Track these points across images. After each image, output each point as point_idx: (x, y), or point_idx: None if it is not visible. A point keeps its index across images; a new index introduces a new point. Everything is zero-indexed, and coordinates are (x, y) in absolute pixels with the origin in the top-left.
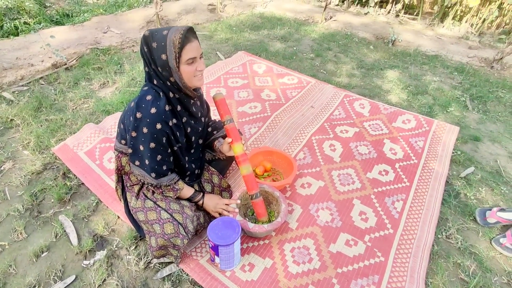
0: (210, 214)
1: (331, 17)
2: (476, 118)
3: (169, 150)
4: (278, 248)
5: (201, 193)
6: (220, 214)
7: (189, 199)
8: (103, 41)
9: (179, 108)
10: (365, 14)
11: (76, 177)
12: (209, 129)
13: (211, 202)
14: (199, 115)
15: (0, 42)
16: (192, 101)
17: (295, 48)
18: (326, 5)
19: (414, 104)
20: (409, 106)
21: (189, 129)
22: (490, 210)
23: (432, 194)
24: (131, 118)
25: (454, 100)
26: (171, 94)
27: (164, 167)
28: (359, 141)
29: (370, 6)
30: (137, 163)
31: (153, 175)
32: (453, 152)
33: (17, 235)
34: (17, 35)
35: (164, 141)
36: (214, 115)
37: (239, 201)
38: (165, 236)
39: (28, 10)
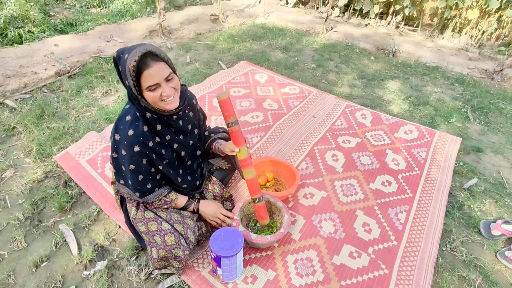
0: (212, 225)
1: (332, 28)
2: (478, 129)
3: (153, 169)
4: (281, 260)
5: (195, 200)
6: (219, 223)
7: (184, 208)
8: (106, 49)
9: (159, 127)
10: (366, 25)
11: (78, 186)
12: (206, 133)
13: (208, 209)
14: (190, 128)
15: (4, 50)
16: (175, 116)
17: (296, 58)
18: (327, 16)
19: (415, 115)
20: (411, 116)
21: (175, 145)
22: (495, 222)
23: (436, 205)
24: (112, 138)
25: (456, 111)
26: (148, 114)
27: (149, 186)
28: (361, 151)
29: (371, 18)
30: (122, 181)
31: (138, 194)
32: (455, 163)
33: (17, 244)
34: (21, 43)
35: (144, 162)
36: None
37: (236, 217)
38: (166, 247)
39: (32, 19)
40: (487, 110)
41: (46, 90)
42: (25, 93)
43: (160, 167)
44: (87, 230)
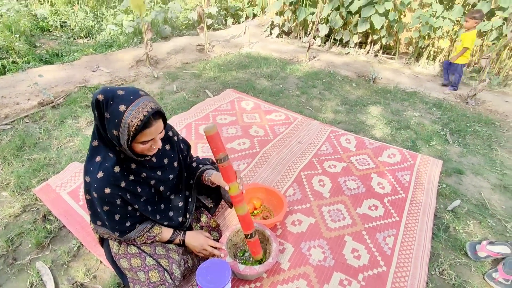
0: (198, 257)
1: (314, 57)
2: (458, 152)
3: (130, 208)
4: None
5: (181, 232)
6: (206, 255)
7: (170, 241)
8: (92, 79)
9: (133, 166)
10: (346, 54)
11: (57, 220)
12: (194, 164)
13: (195, 241)
14: (166, 162)
15: None
16: (147, 157)
17: (281, 86)
18: (309, 46)
19: (397, 139)
20: (393, 140)
21: (153, 182)
22: (480, 243)
23: (422, 228)
24: (83, 180)
25: (435, 134)
26: (121, 155)
27: (128, 223)
28: (347, 176)
29: (351, 47)
30: (98, 223)
31: (117, 234)
32: (438, 185)
33: None
34: (4, 74)
35: (118, 202)
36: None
37: (224, 247)
38: (150, 284)
39: (17, 50)
40: (465, 133)
41: (28, 121)
42: (5, 124)
43: (136, 206)
44: (66, 267)
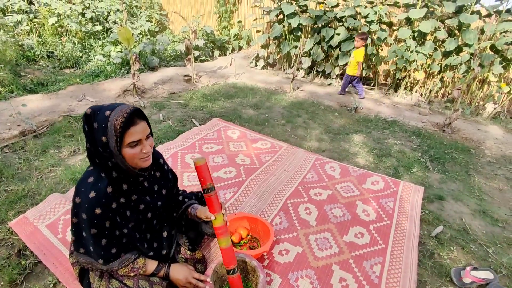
0: None
1: (298, 88)
2: (438, 178)
3: (117, 232)
4: None
5: (166, 264)
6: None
7: (154, 274)
8: (77, 109)
9: (125, 187)
10: (329, 85)
11: (33, 255)
12: (180, 198)
13: (179, 274)
14: (156, 189)
15: None
16: (141, 178)
17: (267, 115)
18: (293, 77)
19: (380, 166)
20: (376, 168)
21: (142, 206)
22: (464, 269)
23: (408, 255)
24: (72, 203)
25: (416, 162)
26: (114, 174)
27: (113, 250)
28: (333, 203)
29: (332, 78)
30: (81, 250)
31: (101, 261)
32: (421, 212)
33: None
34: None
35: (107, 225)
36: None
37: (209, 280)
38: None
39: (1, 80)
40: (444, 160)
41: (7, 151)
42: None
43: (125, 231)
44: None
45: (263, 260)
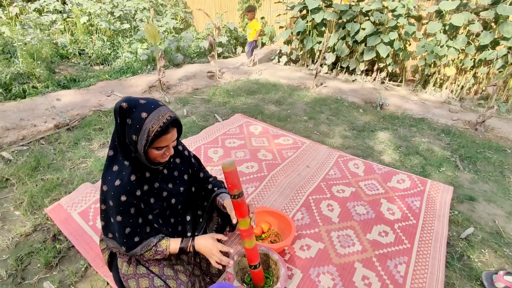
0: (206, 280)
1: (321, 84)
2: (469, 178)
3: (140, 220)
4: None
5: (190, 239)
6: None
7: (181, 250)
8: (106, 103)
9: (148, 174)
10: (353, 81)
11: (67, 239)
12: (209, 186)
13: (204, 246)
14: (177, 174)
15: (6, 104)
16: (161, 166)
17: (289, 111)
18: (316, 73)
19: (406, 164)
20: (402, 166)
21: (165, 193)
22: (497, 273)
23: (435, 256)
24: (100, 190)
25: (445, 160)
26: (135, 163)
27: (136, 239)
28: (356, 201)
29: (357, 74)
30: (110, 235)
31: (124, 248)
32: (450, 212)
33: None
34: (25, 98)
35: (132, 212)
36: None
37: (231, 271)
38: None
39: (38, 76)
40: (475, 159)
41: (43, 142)
42: (22, 145)
43: (150, 217)
44: None
45: (284, 254)
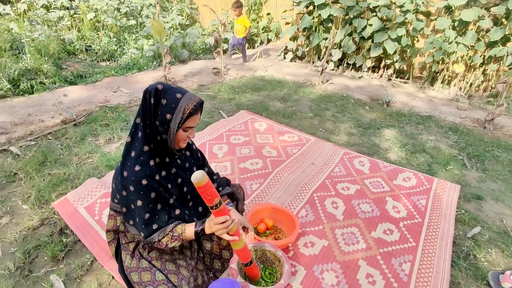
0: (209, 275)
1: (327, 81)
2: (476, 177)
3: (159, 207)
4: None
5: (201, 221)
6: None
7: (197, 234)
8: (112, 99)
9: (167, 159)
10: (359, 78)
11: (73, 233)
12: (214, 185)
13: (209, 229)
14: (188, 166)
15: (15, 100)
16: (177, 155)
17: (294, 108)
18: (322, 70)
19: (412, 162)
20: (408, 164)
21: (179, 180)
22: (503, 273)
23: (440, 255)
24: (119, 178)
25: (452, 159)
26: (160, 147)
27: (154, 226)
28: (361, 198)
29: (364, 71)
30: (131, 222)
31: (142, 234)
32: (457, 211)
33: None
34: (32, 93)
35: (153, 196)
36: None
37: (234, 267)
38: None
39: (45, 72)
40: (483, 158)
41: (51, 138)
42: (30, 140)
43: (171, 201)
44: (79, 281)
45: (288, 251)
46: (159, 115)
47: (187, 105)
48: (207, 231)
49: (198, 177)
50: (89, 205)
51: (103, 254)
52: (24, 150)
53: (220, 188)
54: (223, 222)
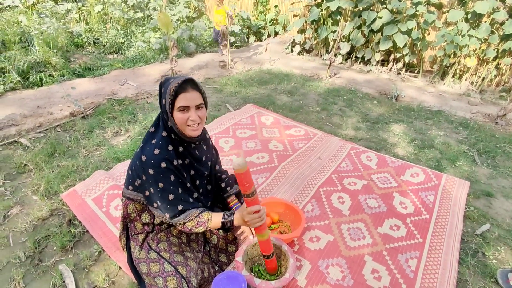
0: (215, 268)
1: (335, 74)
2: (486, 173)
3: (180, 190)
4: None
5: (230, 212)
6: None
7: (223, 224)
8: (120, 92)
9: (181, 149)
10: (368, 71)
11: (81, 224)
12: (223, 185)
13: (240, 221)
14: (204, 159)
15: (24, 92)
16: (193, 145)
17: (301, 102)
18: (330, 63)
19: (421, 158)
20: (416, 159)
21: (192, 172)
22: None
23: (448, 252)
24: (137, 163)
25: (462, 155)
26: (172, 136)
27: (180, 207)
28: (368, 194)
29: (372, 65)
30: (154, 205)
31: (167, 215)
32: (465, 208)
33: (15, 284)
34: (41, 86)
35: (172, 179)
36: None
37: (240, 260)
38: None
39: (54, 64)
40: (494, 154)
41: (59, 130)
42: (39, 132)
43: (188, 185)
44: (87, 271)
45: (293, 246)
46: (161, 104)
47: (172, 85)
48: (236, 222)
49: (240, 163)
50: (97, 196)
51: (111, 245)
52: (33, 142)
53: (228, 188)
54: (256, 212)
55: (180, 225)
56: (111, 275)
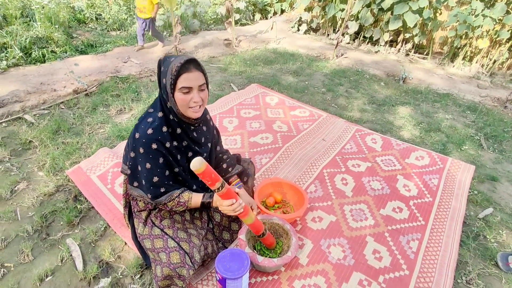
0: (219, 245)
1: (342, 54)
2: (492, 158)
3: (167, 173)
4: (288, 285)
5: (210, 194)
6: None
7: (203, 204)
8: (123, 70)
9: (179, 131)
10: (376, 52)
11: (87, 201)
12: (224, 166)
13: (215, 200)
14: (203, 141)
15: (27, 68)
16: (192, 127)
17: (307, 83)
18: (337, 43)
19: (427, 141)
20: (422, 142)
21: (190, 154)
22: None
23: (449, 234)
24: (131, 139)
25: (468, 139)
26: (170, 117)
27: (162, 189)
28: (371, 176)
29: (381, 45)
30: (135, 184)
31: (149, 196)
32: (469, 192)
33: (24, 257)
34: (44, 62)
35: (161, 161)
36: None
37: (243, 238)
38: (171, 265)
39: (56, 40)
40: (501, 139)
41: (63, 107)
42: (43, 109)
43: (176, 170)
44: (93, 245)
45: (296, 225)
46: (161, 83)
47: (174, 64)
48: (214, 205)
49: (196, 164)
50: (101, 174)
51: (116, 221)
52: (38, 119)
53: (230, 169)
54: (230, 205)
55: (161, 205)
56: (117, 250)
